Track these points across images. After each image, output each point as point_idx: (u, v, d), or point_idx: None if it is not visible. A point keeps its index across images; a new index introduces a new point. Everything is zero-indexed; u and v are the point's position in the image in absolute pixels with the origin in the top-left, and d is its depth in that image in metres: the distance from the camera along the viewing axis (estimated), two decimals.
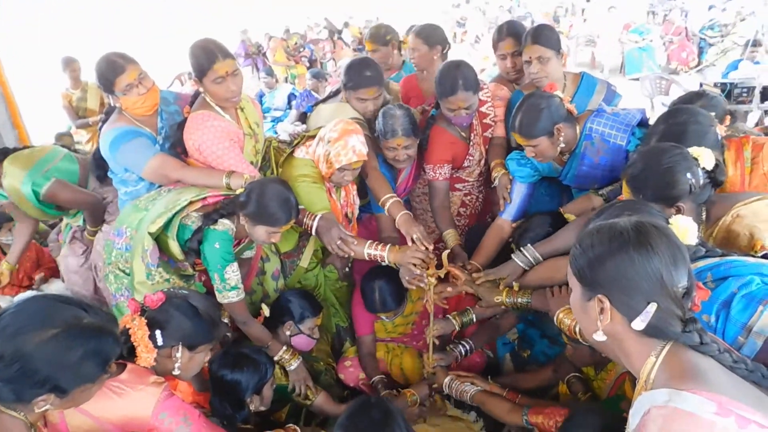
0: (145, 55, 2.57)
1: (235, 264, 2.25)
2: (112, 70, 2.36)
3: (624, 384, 2.00)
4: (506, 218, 2.57)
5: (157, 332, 1.74)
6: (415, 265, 2.27)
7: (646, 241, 1.11)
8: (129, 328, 1.71)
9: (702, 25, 11.47)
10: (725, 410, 0.99)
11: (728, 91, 5.49)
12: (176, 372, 1.80)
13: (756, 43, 8.39)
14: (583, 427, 1.71)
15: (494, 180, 2.68)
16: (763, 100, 5.60)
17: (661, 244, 1.11)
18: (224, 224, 2.19)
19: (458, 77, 2.49)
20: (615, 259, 1.12)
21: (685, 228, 1.43)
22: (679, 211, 1.71)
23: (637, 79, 9.29)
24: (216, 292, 2.26)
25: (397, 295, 2.56)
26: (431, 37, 3.14)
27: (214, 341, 1.90)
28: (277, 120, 7.93)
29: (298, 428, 2.12)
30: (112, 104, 2.51)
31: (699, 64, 10.88)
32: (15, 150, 2.72)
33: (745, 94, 5.54)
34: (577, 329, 1.86)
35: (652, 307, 1.10)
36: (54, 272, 3.75)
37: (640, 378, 1.14)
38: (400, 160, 2.62)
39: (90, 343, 1.30)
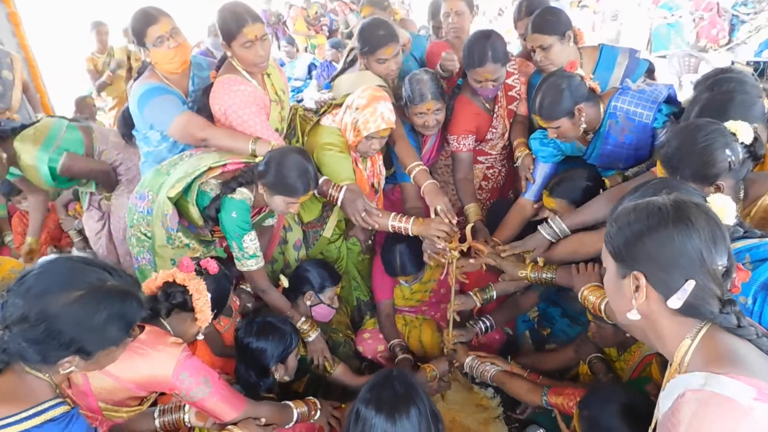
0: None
1: (253, 233, 2.24)
2: (145, 20, 2.36)
3: (649, 366, 1.98)
4: (529, 198, 2.54)
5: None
6: (438, 237, 2.25)
7: (686, 217, 1.08)
8: (185, 287, 1.77)
9: (734, 1, 11.08)
10: (764, 396, 0.96)
11: (761, 70, 5.34)
12: (200, 337, 1.87)
13: None
14: (606, 401, 1.68)
15: (517, 159, 2.64)
16: None
17: (700, 220, 1.08)
18: (242, 193, 2.18)
19: (487, 48, 2.44)
20: (653, 235, 1.09)
21: (722, 207, 1.38)
22: (718, 189, 1.65)
23: (664, 57, 9.03)
24: (235, 260, 2.28)
25: (417, 259, 2.54)
26: (471, 1, 3.09)
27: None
28: (297, 90, 7.87)
29: (317, 401, 2.13)
30: (144, 59, 2.51)
31: (730, 41, 10.54)
32: (22, 127, 2.74)
33: None
34: (602, 307, 1.84)
35: (690, 285, 1.07)
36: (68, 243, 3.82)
37: (674, 360, 1.11)
38: (430, 126, 2.58)
39: (114, 306, 1.30)
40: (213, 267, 1.92)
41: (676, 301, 1.08)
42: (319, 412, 2.11)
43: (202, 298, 1.79)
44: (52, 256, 1.36)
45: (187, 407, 1.87)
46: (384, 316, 2.81)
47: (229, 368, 2.27)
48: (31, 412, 1.22)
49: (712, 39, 10.65)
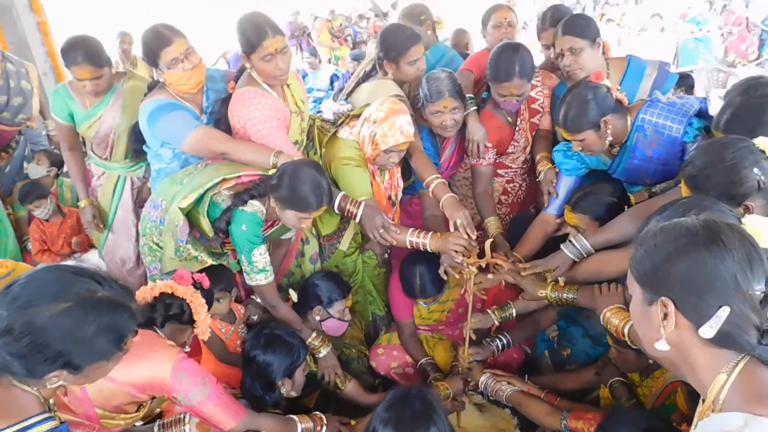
0: (191, 30, 2.51)
1: (263, 247, 2.20)
2: (158, 41, 2.28)
3: (674, 394, 1.88)
4: (551, 212, 2.47)
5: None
6: (456, 251, 2.20)
7: (718, 238, 0.99)
8: (183, 299, 1.77)
9: (765, 16, 10.87)
10: None
11: None
12: (187, 349, 1.86)
13: None
14: (625, 426, 1.61)
15: (539, 174, 2.57)
16: None
17: (734, 241, 0.99)
18: (254, 206, 2.14)
19: (515, 62, 2.39)
20: (682, 258, 1.01)
21: (759, 229, 1.30)
22: (747, 210, 1.57)
23: (692, 72, 8.87)
24: (244, 274, 2.24)
25: (437, 281, 2.48)
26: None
27: None
28: (319, 100, 7.90)
29: (323, 416, 2.08)
30: (155, 78, 2.47)
31: (759, 57, 10.35)
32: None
33: None
34: (625, 331, 1.76)
35: (724, 312, 0.97)
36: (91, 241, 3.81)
37: (708, 397, 1.02)
38: (448, 126, 2.53)
39: (104, 318, 1.25)
40: (206, 282, 1.92)
41: (708, 329, 0.99)
42: (325, 428, 2.05)
43: (202, 311, 1.79)
44: (40, 266, 1.32)
45: (187, 418, 1.83)
46: (407, 336, 2.74)
47: (235, 380, 2.23)
48: (15, 428, 1.17)
49: (741, 54, 10.46)
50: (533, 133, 2.76)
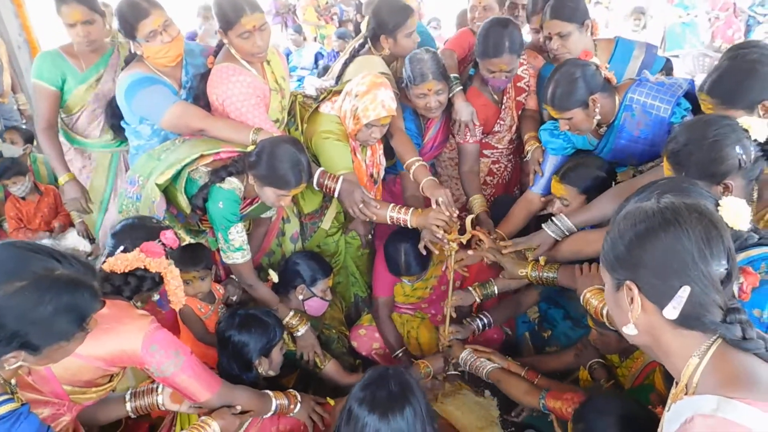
0: (170, 3, 2.42)
1: (240, 225, 2.17)
2: (134, 14, 2.19)
3: (653, 374, 1.89)
4: (536, 191, 2.45)
5: None
6: (438, 227, 2.18)
7: (674, 219, 1.00)
8: (152, 271, 1.69)
9: (752, 1, 10.88)
10: None
11: None
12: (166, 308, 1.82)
13: None
14: (602, 413, 1.60)
15: (526, 154, 2.55)
16: None
17: (690, 219, 0.99)
18: (231, 183, 2.10)
19: (504, 38, 2.35)
20: (641, 242, 1.02)
21: (737, 211, 1.29)
22: (727, 189, 1.56)
23: (677, 56, 8.88)
24: (221, 252, 2.21)
25: (422, 259, 2.47)
26: None
27: None
28: (303, 79, 7.79)
29: (298, 394, 2.05)
30: (133, 51, 2.38)
31: None
32: None
33: None
34: (604, 312, 1.75)
35: (684, 291, 0.97)
36: (70, 220, 3.74)
37: (681, 380, 1.02)
38: (432, 108, 2.50)
39: (63, 298, 1.21)
40: (174, 243, 1.81)
41: (671, 310, 0.99)
42: (299, 406, 2.03)
43: (176, 281, 1.73)
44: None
45: (160, 389, 1.80)
46: (382, 316, 2.72)
47: (213, 360, 2.21)
48: None
49: (728, 39, 10.47)
50: (519, 113, 2.74)
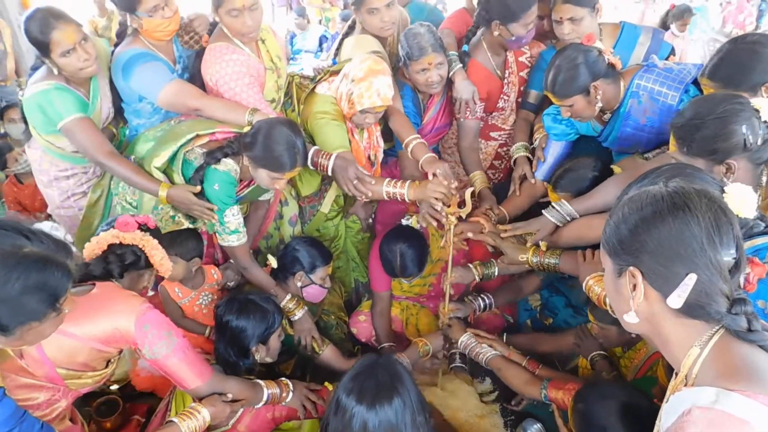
0: None
1: (236, 207, 2.16)
2: None
3: (656, 365, 1.85)
4: (539, 177, 2.42)
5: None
6: (436, 199, 2.11)
7: (683, 204, 0.96)
8: (134, 246, 1.70)
9: None
10: None
11: None
12: (151, 293, 1.85)
13: None
14: (604, 397, 1.58)
15: (535, 141, 2.50)
16: None
17: (700, 206, 0.95)
18: (227, 164, 2.07)
19: None
20: (648, 226, 0.97)
21: (742, 198, 1.25)
22: (729, 170, 1.52)
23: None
24: (216, 234, 2.20)
25: (418, 261, 2.43)
26: None
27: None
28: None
29: (290, 382, 2.03)
30: (128, 23, 2.34)
31: (757, 28, 10.21)
32: None
33: None
34: (607, 300, 1.72)
35: (691, 279, 0.94)
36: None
37: (681, 370, 0.98)
38: (434, 82, 2.43)
39: (31, 276, 1.18)
40: (151, 222, 1.85)
41: (676, 299, 0.95)
42: (291, 394, 2.01)
43: (157, 251, 1.74)
44: None
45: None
46: (378, 311, 2.67)
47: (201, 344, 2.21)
48: None
49: (739, 25, 10.31)
50: (522, 89, 2.68)
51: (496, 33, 2.43)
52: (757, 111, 1.53)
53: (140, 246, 1.71)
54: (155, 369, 1.71)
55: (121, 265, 1.70)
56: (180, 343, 1.64)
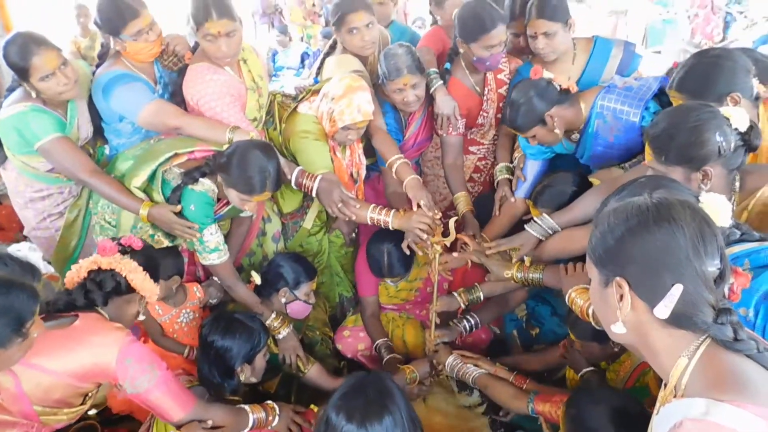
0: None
1: (214, 226, 2.16)
2: (125, 13, 2.18)
3: (644, 377, 1.87)
4: (520, 196, 2.45)
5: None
6: (421, 230, 2.15)
7: (668, 215, 0.97)
8: (113, 271, 1.64)
9: None
10: None
11: None
12: (141, 318, 1.74)
13: None
14: (596, 402, 1.58)
15: (514, 160, 2.55)
16: None
17: (685, 217, 0.97)
18: (204, 184, 2.07)
19: (493, 10, 2.34)
20: (634, 237, 0.99)
21: (717, 207, 1.28)
22: (706, 176, 1.56)
23: (659, 52, 9.00)
24: (197, 254, 2.19)
25: (405, 260, 2.44)
26: None
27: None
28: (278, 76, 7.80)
29: (276, 405, 1.99)
30: (111, 46, 2.34)
31: (724, 39, 10.52)
32: None
33: None
34: (590, 312, 1.73)
35: (677, 289, 0.95)
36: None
37: (670, 381, 0.99)
38: (410, 102, 2.46)
39: None
40: (136, 243, 1.80)
41: (663, 309, 0.96)
42: (278, 418, 1.96)
43: (137, 275, 1.67)
44: None
45: None
46: (368, 314, 2.69)
47: (173, 366, 2.16)
48: None
49: (707, 36, 10.62)
50: (501, 104, 2.71)
51: (461, 51, 2.50)
52: (728, 119, 1.58)
53: (117, 270, 1.66)
54: None
55: (102, 292, 1.65)
56: (162, 375, 1.59)
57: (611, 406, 1.54)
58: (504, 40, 2.41)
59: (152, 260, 1.86)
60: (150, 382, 1.55)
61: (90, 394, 1.63)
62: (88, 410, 1.66)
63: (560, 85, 2.13)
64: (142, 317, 1.74)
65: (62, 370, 1.46)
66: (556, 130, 2.13)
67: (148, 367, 1.55)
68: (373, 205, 2.25)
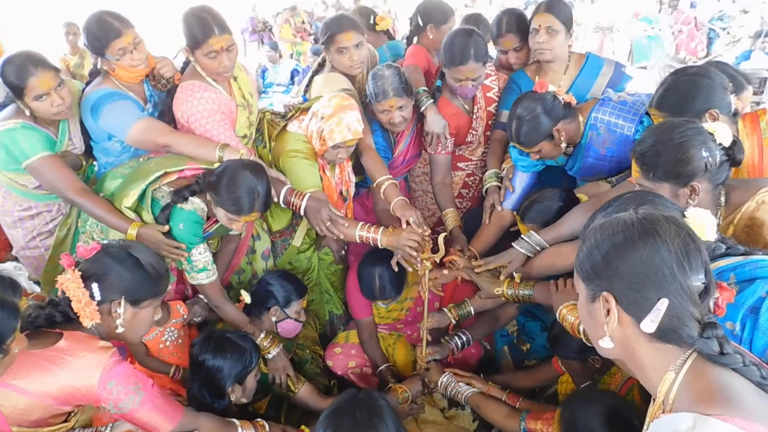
0: (146, 23, 2.39)
1: (203, 246, 2.14)
2: (106, 33, 2.17)
3: (634, 390, 1.86)
4: (507, 207, 2.45)
5: (94, 285, 1.53)
6: (410, 247, 2.16)
7: (653, 230, 0.99)
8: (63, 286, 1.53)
9: (711, 15, 11.27)
10: None
11: None
12: (120, 330, 1.59)
13: (767, 34, 8.21)
14: (589, 402, 1.61)
15: (503, 170, 2.56)
16: None
17: (669, 232, 0.99)
18: (193, 203, 2.06)
19: (470, 46, 2.37)
20: (620, 253, 1.01)
21: (702, 223, 1.30)
22: (693, 191, 1.58)
23: (645, 68, 9.14)
24: (185, 273, 2.17)
25: (396, 282, 2.43)
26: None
27: (160, 295, 1.69)
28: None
29: (266, 423, 1.96)
30: (99, 66, 2.33)
31: (708, 54, 10.70)
32: None
33: (757, 86, 5.45)
34: (581, 328, 1.74)
35: (663, 304, 0.96)
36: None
37: (658, 396, 1.00)
38: (396, 123, 2.48)
39: None
40: (83, 251, 1.63)
41: (649, 323, 0.98)
42: None
43: (74, 294, 1.51)
44: None
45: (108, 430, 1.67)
46: (366, 336, 2.68)
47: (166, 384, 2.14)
48: None
49: (691, 51, 10.81)
50: (491, 122, 2.74)
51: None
52: (712, 134, 1.61)
53: (64, 289, 1.54)
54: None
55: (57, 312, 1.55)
56: (148, 395, 1.54)
57: (605, 406, 1.56)
58: (475, 78, 2.44)
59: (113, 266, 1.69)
60: (135, 403, 1.51)
61: (74, 412, 1.58)
62: (72, 427, 1.60)
63: (563, 99, 2.15)
64: (120, 330, 1.60)
65: (41, 392, 1.42)
66: (563, 145, 2.14)
67: (132, 389, 1.51)
68: (361, 223, 2.25)
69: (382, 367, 2.60)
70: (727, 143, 1.62)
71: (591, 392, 1.71)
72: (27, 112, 2.15)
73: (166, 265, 1.70)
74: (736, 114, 1.90)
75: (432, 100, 2.59)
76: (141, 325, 1.67)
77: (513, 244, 2.19)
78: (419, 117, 2.63)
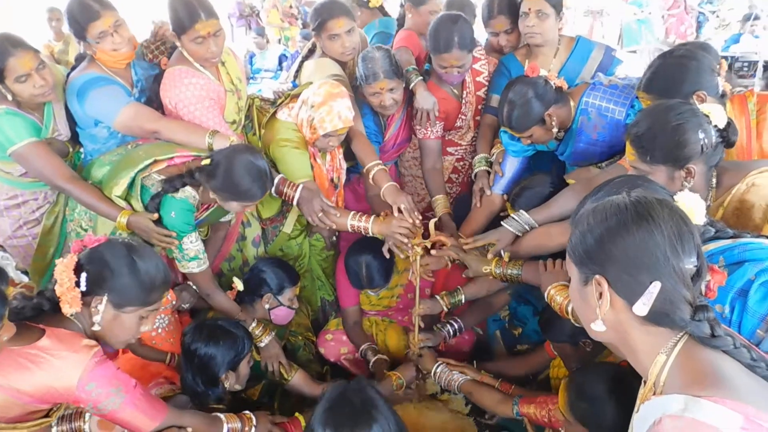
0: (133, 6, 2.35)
1: (195, 234, 2.13)
2: (85, 15, 2.13)
3: None
4: (497, 191, 2.46)
5: (83, 274, 1.48)
6: (401, 234, 2.17)
7: (646, 213, 0.99)
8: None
9: None
10: (753, 424, 0.85)
11: (729, 65, 5.37)
12: (96, 328, 1.51)
13: (756, 17, 8.23)
14: (596, 371, 1.63)
15: (492, 155, 2.56)
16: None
17: (662, 215, 0.99)
18: (185, 191, 2.05)
19: (454, 33, 2.36)
20: (613, 236, 1.00)
21: (691, 206, 1.30)
22: (689, 174, 1.59)
23: (635, 52, 9.13)
24: (176, 261, 2.16)
25: (384, 271, 2.43)
26: None
27: (148, 305, 1.58)
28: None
29: (254, 416, 1.93)
30: (83, 51, 2.31)
31: (697, 38, 10.71)
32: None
33: (746, 69, 5.46)
34: (569, 309, 1.75)
35: (655, 287, 0.97)
36: None
37: (649, 378, 1.00)
38: (387, 105, 2.47)
39: None
40: (89, 240, 1.60)
41: (641, 306, 0.98)
42: (254, 429, 1.90)
43: (61, 277, 1.47)
44: None
45: (87, 416, 1.65)
46: (351, 324, 2.69)
47: (149, 376, 2.12)
48: None
49: (681, 35, 10.81)
50: (480, 107, 2.73)
51: None
52: (707, 116, 1.61)
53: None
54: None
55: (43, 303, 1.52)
56: (130, 396, 1.50)
57: (611, 375, 1.57)
58: (460, 65, 2.42)
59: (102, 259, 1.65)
60: (115, 405, 1.48)
61: (55, 408, 1.55)
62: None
63: (554, 84, 2.14)
64: (96, 327, 1.53)
65: (14, 387, 1.38)
66: (554, 129, 2.14)
67: (113, 391, 1.47)
68: (353, 212, 2.25)
69: (364, 346, 2.59)
70: (722, 125, 1.62)
71: (597, 365, 1.72)
72: (9, 97, 2.11)
73: (168, 278, 1.64)
74: (723, 96, 1.90)
75: (421, 78, 2.57)
76: (122, 331, 1.57)
77: (502, 222, 2.20)
78: (409, 101, 2.61)
